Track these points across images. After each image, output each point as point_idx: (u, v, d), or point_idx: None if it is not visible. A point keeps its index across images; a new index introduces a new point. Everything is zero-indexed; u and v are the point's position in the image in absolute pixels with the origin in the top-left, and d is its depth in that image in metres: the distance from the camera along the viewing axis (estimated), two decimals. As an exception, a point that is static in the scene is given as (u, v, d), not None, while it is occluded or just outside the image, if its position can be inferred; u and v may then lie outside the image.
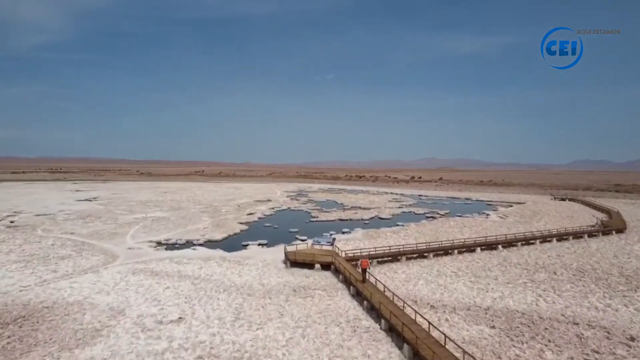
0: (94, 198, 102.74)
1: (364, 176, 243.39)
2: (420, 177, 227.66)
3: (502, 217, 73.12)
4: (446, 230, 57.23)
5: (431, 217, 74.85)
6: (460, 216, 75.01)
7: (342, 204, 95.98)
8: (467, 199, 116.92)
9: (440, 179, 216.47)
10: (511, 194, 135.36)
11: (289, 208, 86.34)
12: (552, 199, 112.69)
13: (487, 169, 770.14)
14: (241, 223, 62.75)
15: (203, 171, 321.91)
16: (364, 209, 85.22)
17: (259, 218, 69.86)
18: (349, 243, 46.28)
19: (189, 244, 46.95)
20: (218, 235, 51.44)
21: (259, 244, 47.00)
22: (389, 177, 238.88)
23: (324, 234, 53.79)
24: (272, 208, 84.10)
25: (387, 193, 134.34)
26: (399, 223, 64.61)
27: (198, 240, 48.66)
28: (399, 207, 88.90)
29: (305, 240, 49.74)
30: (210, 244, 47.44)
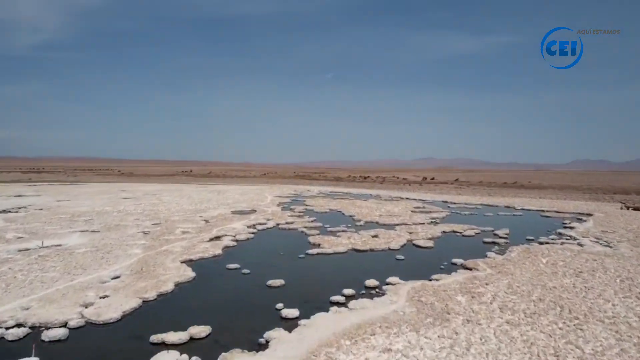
0: (19, 208, 76.49)
1: (369, 177, 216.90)
2: (433, 178, 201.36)
3: (604, 245, 47.03)
4: (555, 280, 31.09)
5: (492, 242, 48.92)
6: (534, 241, 49.11)
7: (351, 216, 69.90)
8: (508, 207, 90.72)
9: (457, 180, 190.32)
10: (556, 200, 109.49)
11: (277, 225, 60.16)
12: (621, 208, 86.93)
13: (487, 168, 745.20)
14: (188, 262, 36.58)
15: (191, 171, 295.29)
16: (385, 226, 59.22)
17: (225, 248, 43.60)
18: (395, 345, 20.11)
19: (23, 344, 20.80)
20: (116, 309, 24.97)
21: (189, 342, 20.88)
22: (397, 177, 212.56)
23: (333, 298, 27.61)
24: (253, 226, 58.03)
25: (402, 199, 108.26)
26: (455, 261, 38.47)
27: (64, 323, 22.50)
28: (432, 223, 62.92)
29: (296, 318, 23.77)
30: (73, 347, 21.20)
